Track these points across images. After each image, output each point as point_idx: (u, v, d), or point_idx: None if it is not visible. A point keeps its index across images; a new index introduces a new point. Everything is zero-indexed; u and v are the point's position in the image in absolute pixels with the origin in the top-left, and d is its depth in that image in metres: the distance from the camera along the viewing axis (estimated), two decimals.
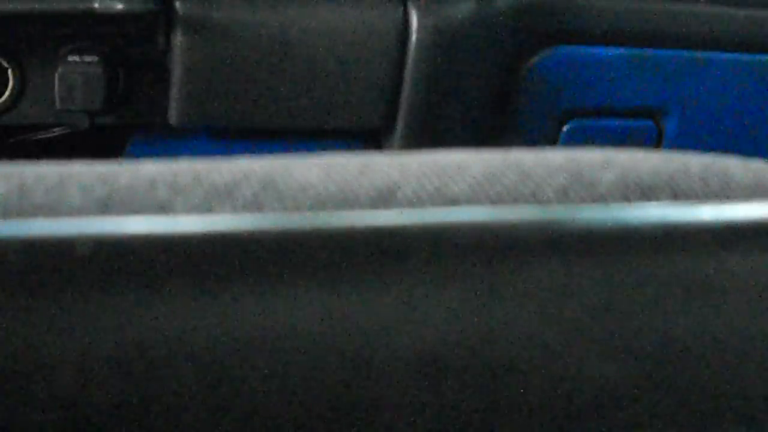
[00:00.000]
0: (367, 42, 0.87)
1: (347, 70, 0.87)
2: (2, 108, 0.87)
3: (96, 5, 0.81)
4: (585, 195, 0.29)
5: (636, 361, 0.28)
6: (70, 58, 0.85)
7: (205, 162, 0.30)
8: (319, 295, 0.26)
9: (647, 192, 0.29)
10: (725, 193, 0.30)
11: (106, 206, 0.27)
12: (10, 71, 0.87)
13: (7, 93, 0.87)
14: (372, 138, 0.93)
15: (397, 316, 0.27)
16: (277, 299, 0.26)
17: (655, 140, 0.99)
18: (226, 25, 0.85)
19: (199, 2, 0.85)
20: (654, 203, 0.29)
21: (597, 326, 0.28)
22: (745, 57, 0.98)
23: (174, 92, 0.87)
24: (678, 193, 0.29)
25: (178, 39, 0.85)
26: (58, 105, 0.85)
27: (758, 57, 0.98)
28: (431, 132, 0.91)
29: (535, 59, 0.93)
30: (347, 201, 0.28)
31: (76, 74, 0.85)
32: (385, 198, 0.28)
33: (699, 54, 0.96)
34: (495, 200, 0.29)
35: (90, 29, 0.85)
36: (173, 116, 0.88)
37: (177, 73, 0.86)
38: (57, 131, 0.91)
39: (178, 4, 0.84)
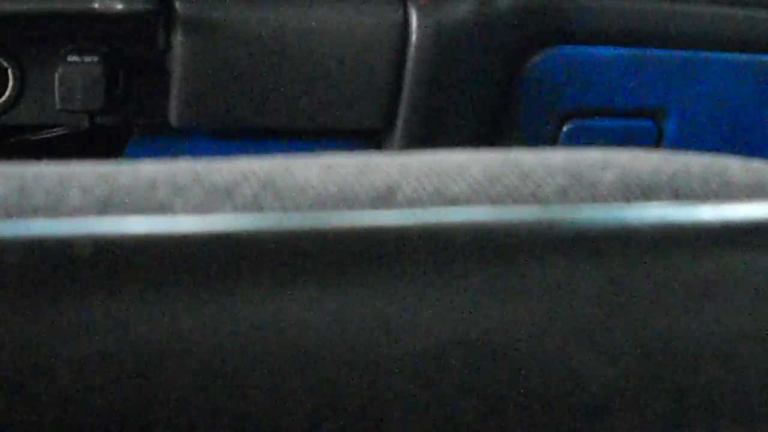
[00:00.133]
0: (367, 42, 0.87)
1: (347, 70, 0.87)
2: (2, 108, 0.87)
3: (96, 5, 0.81)
4: (585, 195, 0.29)
5: (636, 361, 0.28)
6: (70, 58, 0.86)
7: (205, 162, 0.30)
8: (319, 295, 0.26)
9: (647, 192, 0.29)
10: (725, 193, 0.30)
11: (106, 206, 0.27)
12: (10, 71, 0.87)
13: (7, 93, 0.87)
14: (372, 138, 0.93)
15: (397, 316, 0.27)
16: (277, 299, 0.26)
17: (655, 140, 0.99)
18: (226, 25, 0.85)
19: (199, 2, 0.85)
20: (654, 203, 0.29)
21: (597, 326, 0.28)
22: (745, 57, 0.98)
23: (174, 92, 0.87)
24: (678, 193, 0.29)
25: (178, 39, 0.85)
26: (58, 105, 0.85)
27: (758, 57, 0.98)
28: (431, 132, 0.91)
29: (535, 59, 0.93)
30: (347, 201, 0.28)
31: (76, 74, 0.85)
32: (385, 198, 0.28)
33: (699, 54, 0.96)
34: (495, 200, 0.29)
35: (90, 29, 0.85)
36: (173, 116, 0.88)
37: (177, 73, 0.86)
38: (57, 131, 0.91)
39: (178, 4, 0.84)
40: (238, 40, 0.85)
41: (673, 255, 0.28)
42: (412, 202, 0.28)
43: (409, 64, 0.88)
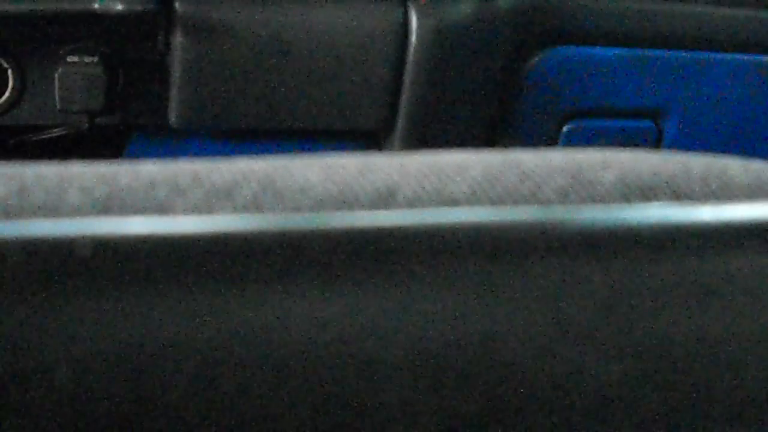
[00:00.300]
0: (367, 42, 0.87)
1: (347, 71, 0.87)
2: (2, 108, 0.87)
3: (96, 5, 0.81)
4: (585, 195, 0.29)
5: (636, 361, 0.28)
6: (70, 58, 0.86)
7: (205, 162, 0.30)
8: (319, 295, 0.26)
9: (647, 192, 0.29)
10: (725, 193, 0.30)
11: (106, 207, 0.27)
12: (10, 71, 0.87)
13: (7, 93, 0.87)
14: (372, 138, 0.93)
15: (397, 316, 0.27)
16: (277, 299, 0.26)
17: (655, 140, 0.99)
18: (226, 26, 0.85)
19: (199, 2, 0.85)
20: (654, 203, 0.29)
21: (597, 326, 0.28)
22: (745, 57, 0.98)
23: (174, 92, 0.87)
24: (678, 194, 0.29)
25: (178, 39, 0.85)
26: (58, 105, 0.85)
27: (758, 57, 0.98)
28: (431, 132, 0.91)
29: (535, 59, 0.93)
30: (347, 201, 0.28)
31: (76, 74, 0.85)
32: (385, 198, 0.28)
33: (699, 54, 0.96)
34: (495, 201, 0.29)
35: (90, 29, 0.85)
36: (173, 117, 0.88)
37: (177, 73, 0.86)
38: (57, 131, 0.91)
39: (178, 4, 0.84)
40: (239, 40, 0.85)
41: (673, 255, 0.28)
42: (412, 203, 0.28)
43: (409, 64, 0.88)
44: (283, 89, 0.87)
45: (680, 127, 0.98)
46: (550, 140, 0.97)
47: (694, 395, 0.28)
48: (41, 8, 0.82)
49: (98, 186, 0.28)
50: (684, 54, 0.96)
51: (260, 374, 0.26)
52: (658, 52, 0.96)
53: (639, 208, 0.29)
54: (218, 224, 0.27)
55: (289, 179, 0.29)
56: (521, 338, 0.27)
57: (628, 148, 0.32)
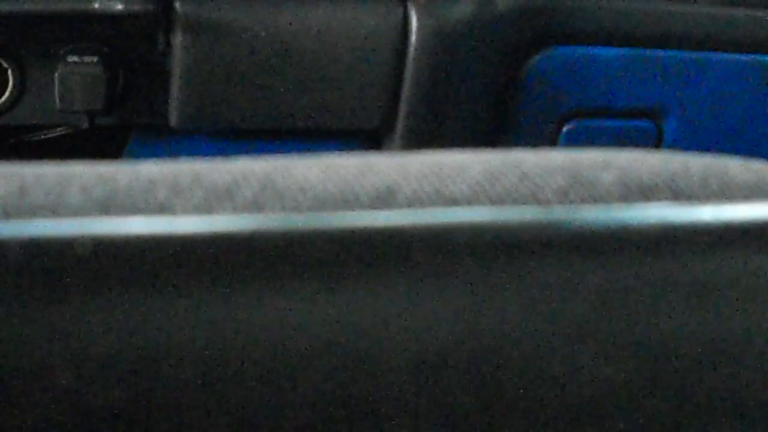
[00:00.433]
0: (367, 42, 0.87)
1: (347, 70, 0.87)
2: (2, 108, 0.87)
3: (96, 5, 0.81)
4: (585, 195, 0.29)
5: (636, 361, 0.28)
6: (70, 58, 0.85)
7: (205, 162, 0.30)
8: (319, 295, 0.26)
9: (647, 192, 0.29)
10: (725, 193, 0.30)
11: (106, 207, 0.27)
12: (10, 71, 0.87)
13: (7, 93, 0.87)
14: (372, 138, 0.93)
15: (397, 316, 0.27)
16: (277, 300, 0.26)
17: (655, 140, 0.99)
18: (226, 26, 0.85)
19: (199, 2, 0.85)
20: (654, 203, 0.29)
21: (597, 326, 0.28)
22: (745, 57, 0.98)
23: (174, 92, 0.87)
24: (678, 194, 0.29)
25: (178, 39, 0.85)
26: (58, 105, 0.85)
27: (758, 57, 0.98)
28: (431, 132, 0.91)
29: (535, 59, 0.93)
30: (347, 201, 0.28)
31: (76, 74, 0.85)
32: (385, 198, 0.28)
33: (699, 54, 0.96)
34: (495, 201, 0.29)
35: (90, 29, 0.85)
36: (173, 116, 0.88)
37: (177, 73, 0.86)
38: (57, 131, 0.91)
39: (178, 4, 0.84)
40: (238, 40, 0.85)
41: (673, 255, 0.28)
42: (412, 203, 0.28)
43: (409, 64, 0.88)
44: (282, 89, 0.87)
45: (680, 127, 0.98)
46: (550, 140, 0.97)
47: (694, 395, 0.28)
48: (41, 8, 0.82)
49: (98, 186, 0.28)
50: (684, 54, 0.96)
51: (260, 374, 0.26)
52: (657, 52, 0.96)
53: (639, 208, 0.29)
54: (218, 224, 0.27)
55: (289, 179, 0.29)
56: (521, 338, 0.27)
57: (628, 148, 0.32)
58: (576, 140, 0.97)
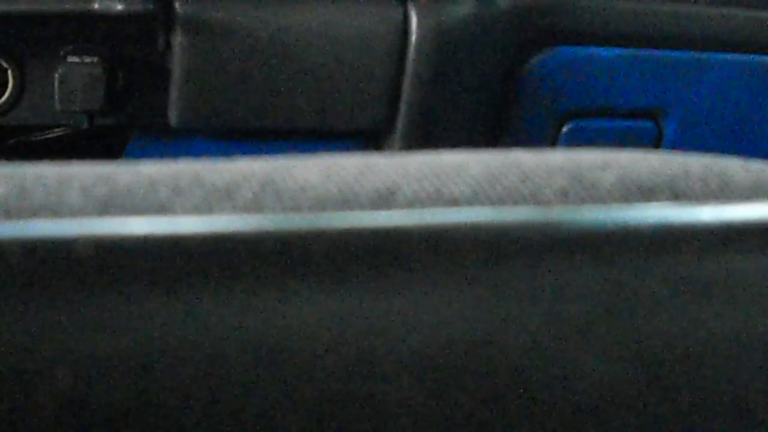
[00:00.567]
0: (367, 42, 0.87)
1: (347, 70, 0.87)
2: (2, 108, 0.87)
3: (96, 5, 0.81)
4: (585, 196, 0.29)
5: (636, 361, 0.28)
6: (70, 59, 0.85)
7: (205, 163, 0.30)
8: (320, 295, 0.26)
9: (647, 193, 0.29)
10: (725, 193, 0.30)
11: (106, 207, 0.27)
12: (10, 71, 0.87)
13: (7, 93, 0.87)
14: (372, 138, 0.93)
15: (397, 317, 0.27)
16: (277, 300, 0.26)
17: (655, 140, 0.99)
18: (226, 26, 0.85)
19: (199, 2, 0.85)
20: (654, 204, 0.29)
21: (597, 326, 0.28)
22: (745, 57, 0.98)
23: (174, 92, 0.87)
24: (678, 194, 0.29)
25: (178, 39, 0.85)
26: (58, 105, 0.85)
27: (758, 57, 0.98)
28: (431, 132, 0.91)
29: (535, 59, 0.93)
30: (347, 202, 0.28)
31: (76, 74, 0.85)
32: (385, 199, 0.28)
33: (699, 54, 0.96)
34: (495, 201, 0.29)
35: (90, 29, 0.85)
36: (173, 117, 0.88)
37: (177, 73, 0.86)
38: (57, 131, 0.91)
39: (178, 4, 0.84)
40: (238, 40, 0.85)
41: (673, 255, 0.28)
42: (412, 203, 0.28)
43: (409, 64, 0.88)
44: (283, 89, 0.87)
45: (680, 127, 0.98)
46: (550, 140, 0.97)
47: (694, 395, 0.28)
48: (41, 8, 0.82)
49: (98, 186, 0.28)
50: (684, 54, 0.96)
51: (260, 374, 0.26)
52: (658, 52, 0.96)
53: (639, 209, 0.29)
54: (218, 224, 0.27)
55: (289, 179, 0.29)
56: (521, 338, 0.27)
57: (628, 148, 0.32)
58: (576, 140, 0.97)
